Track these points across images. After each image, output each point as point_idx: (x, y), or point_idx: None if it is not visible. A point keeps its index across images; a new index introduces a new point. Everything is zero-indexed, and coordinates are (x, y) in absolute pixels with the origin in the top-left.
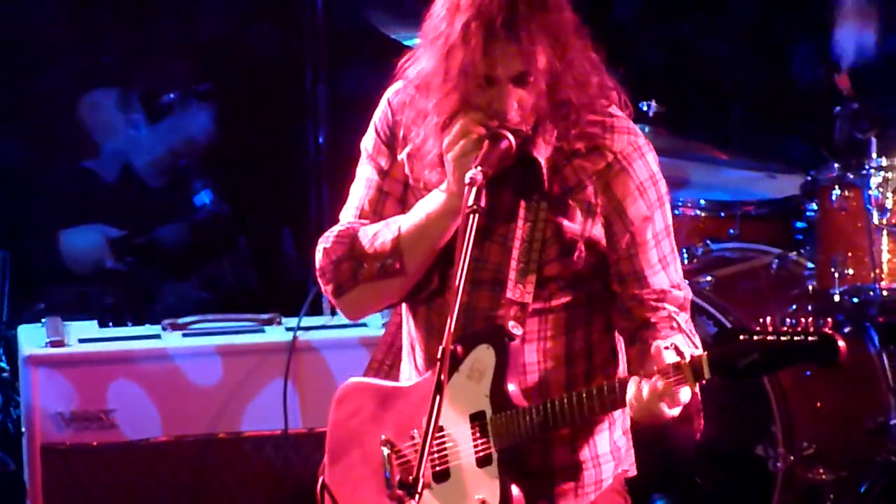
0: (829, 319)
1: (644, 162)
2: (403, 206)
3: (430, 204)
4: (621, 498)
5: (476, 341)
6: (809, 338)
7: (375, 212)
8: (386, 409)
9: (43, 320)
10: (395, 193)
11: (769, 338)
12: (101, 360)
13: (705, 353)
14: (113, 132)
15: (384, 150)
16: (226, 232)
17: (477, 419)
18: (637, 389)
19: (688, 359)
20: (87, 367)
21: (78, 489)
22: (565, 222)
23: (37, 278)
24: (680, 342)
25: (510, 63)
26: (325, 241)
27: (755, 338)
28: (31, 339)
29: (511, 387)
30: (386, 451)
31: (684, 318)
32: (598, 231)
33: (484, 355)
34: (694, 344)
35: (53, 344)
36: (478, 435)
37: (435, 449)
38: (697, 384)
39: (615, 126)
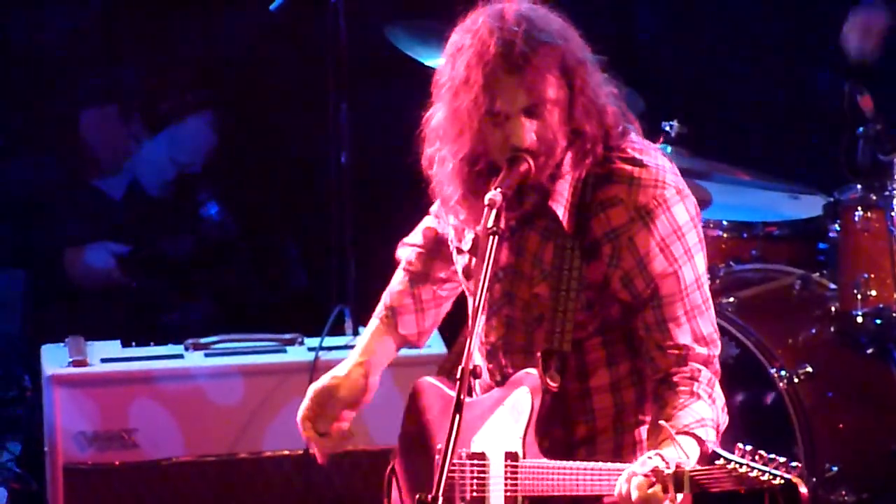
0: (795, 466)
1: (669, 216)
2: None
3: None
4: None
5: (518, 382)
6: (774, 480)
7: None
8: (446, 418)
9: (66, 340)
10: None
11: (741, 469)
12: (123, 379)
13: (687, 469)
14: (115, 147)
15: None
16: (232, 245)
17: (511, 459)
18: (627, 487)
19: (672, 471)
20: (110, 387)
21: None
22: (589, 274)
23: (48, 297)
24: (691, 413)
25: (516, 97)
26: (402, 259)
27: (729, 466)
28: (54, 358)
29: (539, 438)
30: (438, 458)
31: (706, 377)
32: (619, 283)
33: (524, 398)
34: (714, 409)
35: (76, 364)
36: (509, 474)
37: (476, 474)
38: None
39: (642, 179)
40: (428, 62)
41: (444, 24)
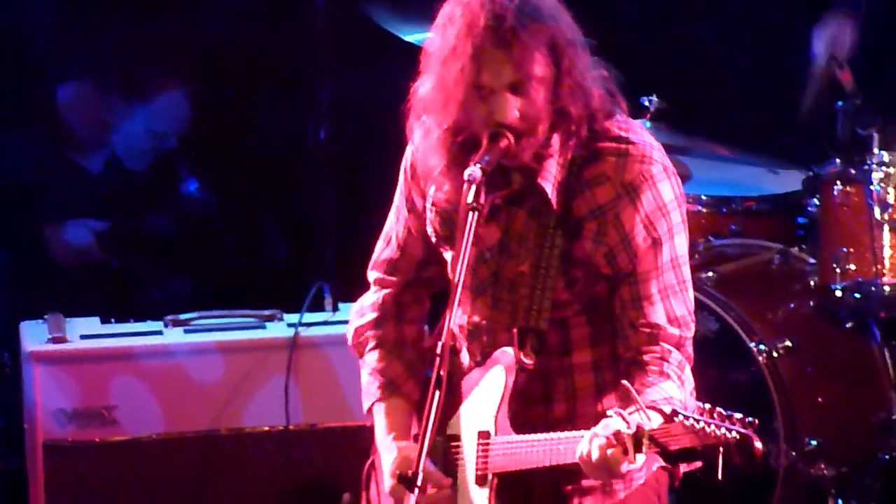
0: (751, 422)
1: (655, 192)
2: (425, 242)
3: (380, 438)
4: (656, 497)
5: (495, 360)
6: (729, 433)
7: (402, 249)
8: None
9: (45, 316)
10: (415, 230)
11: (698, 425)
12: (102, 356)
13: (646, 429)
14: (93, 122)
15: (407, 184)
16: (212, 222)
17: (483, 437)
18: (588, 448)
19: (632, 432)
20: (89, 364)
21: (80, 485)
22: (575, 251)
23: (28, 275)
24: (660, 391)
25: (502, 71)
26: (350, 321)
27: (686, 423)
28: (33, 335)
29: (513, 414)
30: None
31: (677, 360)
32: (603, 259)
33: (498, 376)
34: (682, 391)
35: (55, 340)
36: (481, 453)
37: (450, 457)
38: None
39: (630, 153)
40: (407, 38)
41: (423, 0)
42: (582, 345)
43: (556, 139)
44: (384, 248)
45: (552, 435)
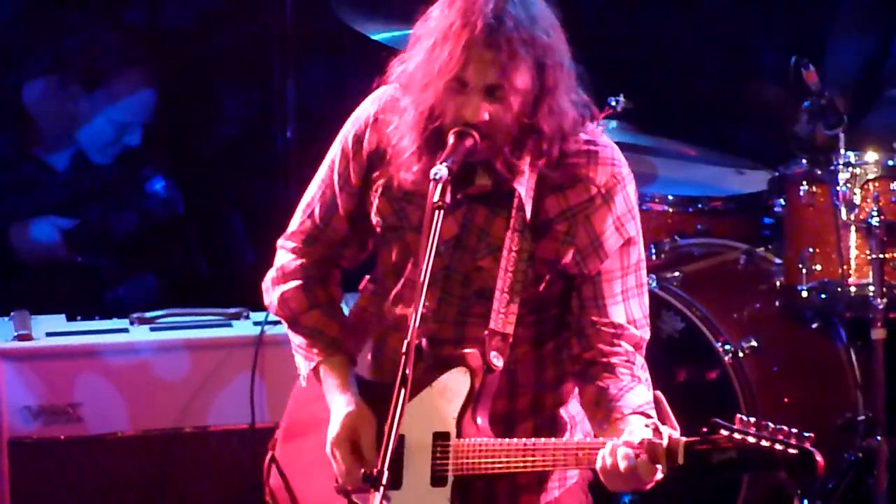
0: (808, 436)
1: (625, 195)
2: (350, 222)
3: (333, 394)
4: (584, 495)
5: (455, 363)
6: (790, 449)
7: (325, 226)
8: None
9: (10, 314)
10: (342, 209)
11: (749, 439)
12: (68, 353)
13: (683, 439)
14: (58, 118)
15: (346, 160)
16: (177, 220)
17: (440, 439)
18: (613, 460)
19: (665, 443)
20: (55, 361)
21: (45, 483)
22: (540, 251)
23: None
24: (639, 395)
25: (485, 71)
26: (269, 290)
27: (735, 436)
28: None
29: (481, 418)
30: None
31: (640, 363)
32: (570, 259)
33: (460, 379)
34: (651, 395)
35: (20, 338)
36: (438, 454)
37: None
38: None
39: (599, 156)
40: (375, 37)
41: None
42: (525, 343)
43: (527, 155)
44: (304, 221)
45: (532, 441)
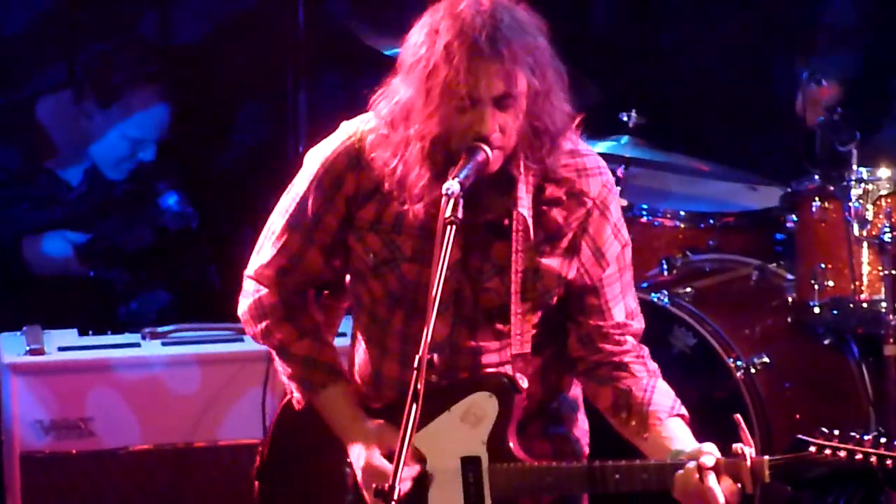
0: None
1: (616, 201)
2: (325, 255)
3: (344, 423)
4: None
5: (477, 387)
6: (887, 461)
7: (299, 261)
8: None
9: (23, 328)
10: (318, 244)
11: (841, 454)
12: (80, 368)
13: (766, 458)
14: (72, 133)
15: (321, 199)
16: (190, 235)
17: (470, 463)
18: (693, 481)
19: (748, 461)
20: (67, 376)
21: (56, 497)
22: (546, 268)
23: (6, 287)
24: (665, 394)
25: (493, 82)
26: (249, 323)
27: (826, 452)
28: (11, 347)
29: (513, 441)
30: (349, 471)
31: (647, 353)
32: (574, 272)
33: (485, 402)
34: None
35: (33, 352)
36: (470, 479)
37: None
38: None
39: (587, 168)
40: (387, 52)
41: (402, 14)
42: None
43: (521, 161)
44: (274, 257)
45: (608, 463)
